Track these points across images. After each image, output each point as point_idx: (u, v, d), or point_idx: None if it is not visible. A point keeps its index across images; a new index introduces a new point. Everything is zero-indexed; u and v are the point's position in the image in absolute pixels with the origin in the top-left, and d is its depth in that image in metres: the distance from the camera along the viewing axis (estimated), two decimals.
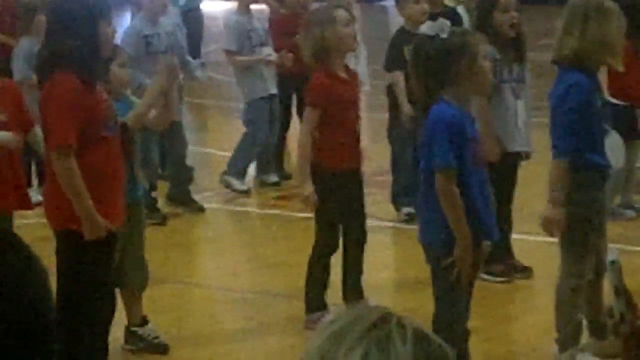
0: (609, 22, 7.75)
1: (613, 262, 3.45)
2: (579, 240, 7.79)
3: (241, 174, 12.52)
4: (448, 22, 7.42)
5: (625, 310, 3.25)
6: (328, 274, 8.91)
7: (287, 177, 12.91)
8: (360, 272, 8.95)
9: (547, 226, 7.80)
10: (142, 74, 10.98)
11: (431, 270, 7.28)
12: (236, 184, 12.46)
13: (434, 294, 7.24)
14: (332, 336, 2.07)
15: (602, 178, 7.92)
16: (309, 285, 8.92)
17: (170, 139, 11.67)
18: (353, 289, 8.92)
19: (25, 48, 11.49)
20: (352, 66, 10.34)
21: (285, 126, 13.09)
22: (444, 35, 7.16)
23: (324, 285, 8.90)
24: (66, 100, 7.09)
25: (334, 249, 8.88)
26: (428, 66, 7.13)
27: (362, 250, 8.89)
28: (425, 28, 7.30)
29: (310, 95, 8.92)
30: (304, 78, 9.40)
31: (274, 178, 12.79)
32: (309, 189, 8.80)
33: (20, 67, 11.58)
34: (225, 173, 12.52)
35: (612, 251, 4.89)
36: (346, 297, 8.94)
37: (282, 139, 13.09)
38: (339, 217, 8.86)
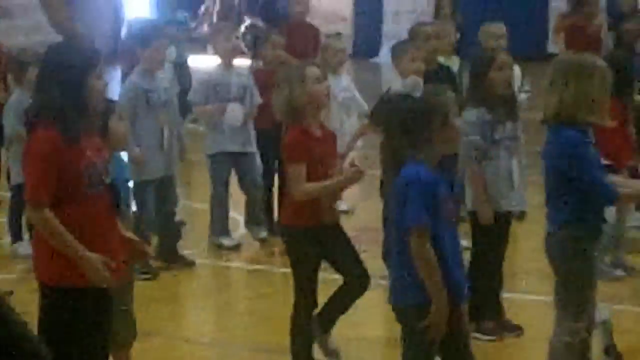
0: (590, 80, 7.75)
1: (605, 322, 3.45)
2: (574, 298, 7.78)
3: (225, 231, 12.53)
4: (421, 81, 7.42)
5: None
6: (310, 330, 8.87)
7: (276, 232, 12.88)
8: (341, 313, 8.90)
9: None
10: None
11: (403, 332, 7.21)
12: (225, 241, 12.47)
13: (403, 356, 7.16)
14: None
15: (599, 234, 7.94)
16: (295, 343, 8.87)
17: (163, 194, 11.67)
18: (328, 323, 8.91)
19: (17, 101, 11.50)
20: (344, 119, 10.40)
21: (269, 181, 13.02)
22: (418, 94, 7.15)
23: (310, 342, 8.87)
24: (42, 157, 7.01)
25: (312, 308, 8.82)
26: (401, 125, 7.09)
27: (357, 297, 8.81)
28: (399, 86, 7.30)
29: (289, 152, 8.79)
30: (279, 133, 9.44)
31: (263, 233, 12.74)
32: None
33: (10, 121, 11.60)
34: (210, 235, 12.56)
35: (605, 311, 4.92)
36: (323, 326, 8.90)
37: (269, 194, 13.05)
38: (317, 277, 8.82)
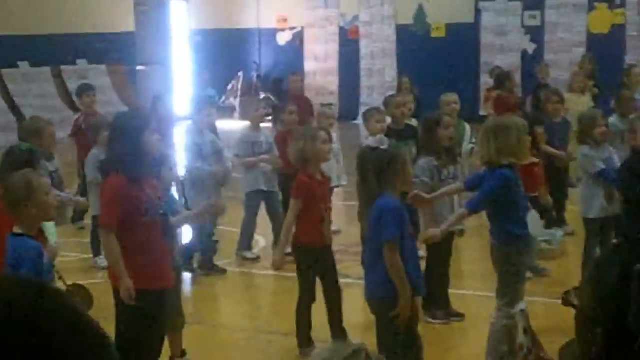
0: (506, 134, 7.87)
1: (522, 310, 3.50)
2: (512, 291, 7.85)
3: (249, 248, 12.54)
4: (386, 139, 7.51)
5: (531, 345, 3.30)
6: (310, 318, 8.89)
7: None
8: (341, 317, 8.92)
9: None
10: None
11: (377, 319, 7.30)
12: (248, 255, 12.48)
13: (378, 340, 7.20)
14: None
15: (527, 245, 8.00)
16: (299, 328, 8.91)
17: (208, 222, 11.72)
18: (339, 330, 8.92)
19: (94, 155, 11.54)
20: (334, 166, 10.41)
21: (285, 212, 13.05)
22: (383, 147, 7.22)
23: (309, 327, 8.89)
24: (113, 194, 7.11)
25: (312, 301, 8.86)
26: (371, 170, 7.20)
27: (339, 301, 8.85)
28: (369, 141, 7.39)
29: (294, 190, 8.90)
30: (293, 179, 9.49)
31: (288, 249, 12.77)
32: (277, 255, 9.00)
33: (90, 171, 11.64)
34: (237, 250, 12.53)
35: (522, 303, 4.97)
36: (334, 335, 8.87)
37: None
38: (316, 280, 8.84)
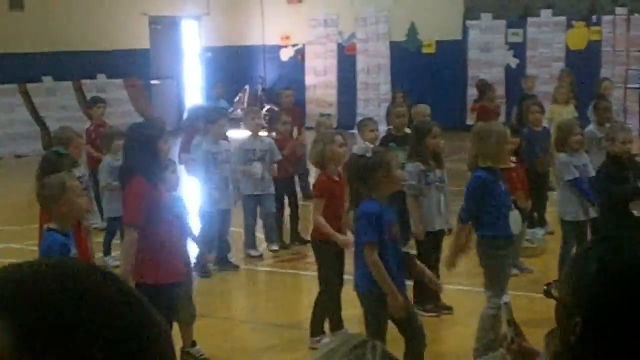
0: (486, 139, 7.90)
1: (506, 303, 3.49)
2: (497, 283, 7.86)
3: (253, 246, 12.54)
4: (371, 146, 7.51)
5: (514, 336, 3.28)
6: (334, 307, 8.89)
7: (285, 246, 12.94)
8: (340, 309, 8.91)
9: None
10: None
11: (364, 311, 7.29)
12: (252, 252, 12.48)
13: (366, 331, 7.17)
14: (326, 353, 2.10)
15: (509, 241, 8.01)
16: (314, 317, 8.89)
17: (222, 220, 11.73)
18: (338, 321, 8.91)
19: (107, 162, 11.56)
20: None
21: (281, 212, 13.11)
22: (369, 154, 7.22)
23: (324, 317, 8.88)
24: (136, 195, 7.15)
25: (334, 292, 8.81)
26: (357, 176, 7.21)
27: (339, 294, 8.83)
28: (355, 149, 7.39)
29: (316, 190, 8.95)
30: (291, 181, 9.40)
31: (275, 247, 12.79)
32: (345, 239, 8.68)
33: (103, 177, 11.66)
34: (244, 247, 12.55)
35: (506, 296, 4.97)
36: (332, 328, 8.88)
37: (281, 220, 13.14)
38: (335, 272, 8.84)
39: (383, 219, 7.08)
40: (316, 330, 8.85)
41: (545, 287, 2.50)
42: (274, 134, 13.28)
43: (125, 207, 7.35)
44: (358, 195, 7.22)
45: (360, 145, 6.94)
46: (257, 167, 12.20)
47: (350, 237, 8.18)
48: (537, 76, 21.05)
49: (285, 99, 16.68)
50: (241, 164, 12.27)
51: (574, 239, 9.98)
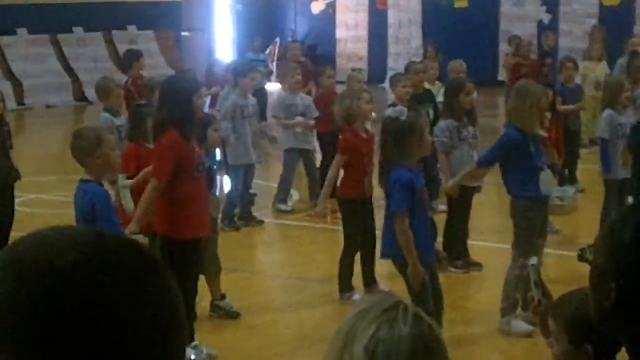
0: (523, 100, 7.82)
1: (533, 265, 3.47)
2: (525, 243, 7.83)
3: (284, 201, 12.54)
4: (405, 110, 7.47)
5: (541, 297, 3.27)
6: (353, 266, 8.90)
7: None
8: (373, 267, 8.90)
9: None
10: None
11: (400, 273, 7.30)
12: (282, 207, 12.48)
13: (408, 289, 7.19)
14: (357, 314, 2.09)
15: (539, 202, 7.95)
16: (342, 274, 8.88)
17: (247, 175, 11.71)
18: (371, 278, 8.91)
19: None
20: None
21: (325, 168, 13.06)
22: (403, 118, 7.18)
23: (352, 273, 8.88)
24: (168, 148, 7.13)
25: (356, 250, 8.85)
26: (390, 140, 7.17)
27: (374, 252, 8.71)
28: (389, 112, 7.36)
29: (340, 146, 8.93)
30: (335, 136, 9.46)
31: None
32: (320, 207, 9.13)
33: None
34: (274, 203, 12.52)
35: (533, 257, 4.91)
36: (365, 283, 8.88)
37: (323, 176, 13.10)
38: (359, 230, 8.83)
39: (415, 185, 7.07)
40: (345, 286, 8.85)
41: (579, 251, 2.48)
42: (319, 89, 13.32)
43: (154, 159, 7.33)
44: (389, 160, 7.19)
45: (394, 109, 6.95)
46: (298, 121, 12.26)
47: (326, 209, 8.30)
48: (555, 33, 20.85)
49: (292, 52, 16.85)
50: (284, 119, 12.30)
51: (615, 199, 9.82)
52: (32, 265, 1.33)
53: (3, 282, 1.32)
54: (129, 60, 14.68)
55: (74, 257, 1.33)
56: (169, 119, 7.15)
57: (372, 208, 8.98)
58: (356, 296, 8.71)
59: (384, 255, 7.41)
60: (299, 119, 12.28)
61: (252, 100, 11.98)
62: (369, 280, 8.85)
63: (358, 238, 8.82)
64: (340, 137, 9.26)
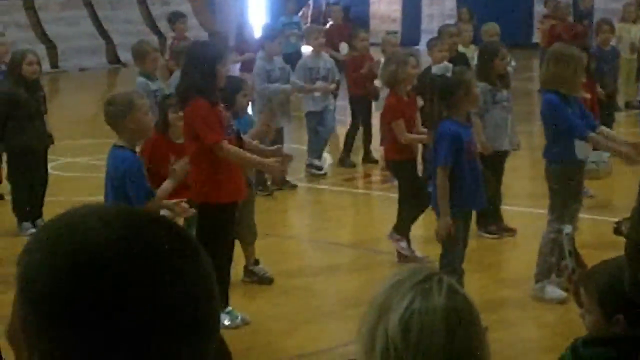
0: (566, 65, 7.74)
1: (567, 233, 3.45)
2: (560, 208, 7.81)
3: (318, 157, 12.56)
4: (451, 65, 7.57)
5: (575, 266, 3.26)
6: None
7: (353, 165, 12.95)
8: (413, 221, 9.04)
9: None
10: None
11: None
12: (316, 162, 12.49)
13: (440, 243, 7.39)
14: (392, 285, 2.10)
15: (576, 167, 7.91)
16: (401, 218, 8.97)
17: (276, 138, 11.67)
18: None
19: (176, 78, 11.40)
20: None
21: (355, 128, 13.10)
22: (449, 74, 7.28)
23: (413, 221, 8.99)
24: (205, 113, 7.12)
25: (420, 208, 8.93)
26: (438, 96, 7.34)
27: (423, 210, 8.89)
28: (435, 69, 7.45)
29: (390, 113, 9.08)
30: (367, 100, 9.45)
31: (328, 162, 12.85)
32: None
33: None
34: (307, 159, 12.52)
35: (568, 226, 4.89)
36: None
37: (353, 138, 13.11)
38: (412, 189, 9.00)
39: (462, 139, 7.21)
40: (401, 228, 8.95)
41: (615, 224, 2.47)
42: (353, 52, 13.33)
43: (201, 130, 7.18)
44: (437, 115, 7.35)
45: (439, 66, 7.11)
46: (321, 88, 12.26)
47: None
48: None
49: (334, 15, 16.86)
50: (303, 82, 12.27)
51: None
52: (65, 247, 1.34)
53: (38, 265, 1.34)
54: (172, 22, 14.94)
55: (105, 236, 1.35)
56: (193, 87, 7.14)
57: (416, 168, 9.26)
58: (403, 244, 8.78)
59: (435, 207, 7.52)
60: (320, 83, 12.27)
61: (279, 63, 11.92)
62: (403, 231, 8.93)
63: (418, 193, 8.95)
64: (385, 103, 9.28)
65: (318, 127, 12.48)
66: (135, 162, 6.60)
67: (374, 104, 12.58)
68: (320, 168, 12.49)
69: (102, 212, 1.40)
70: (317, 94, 12.29)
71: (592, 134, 7.88)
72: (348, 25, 17.60)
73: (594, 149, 11.49)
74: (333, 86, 12.40)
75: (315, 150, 12.56)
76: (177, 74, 11.33)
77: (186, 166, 7.15)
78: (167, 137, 7.96)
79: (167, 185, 6.98)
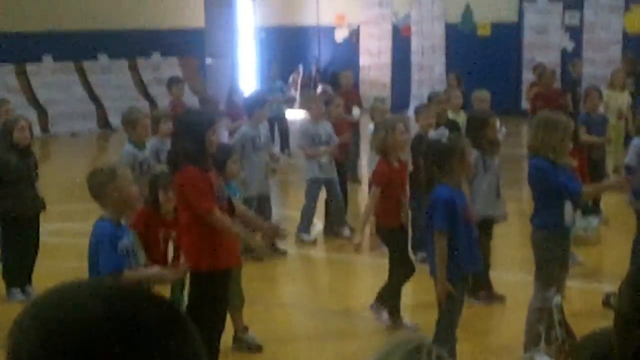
0: (553, 130, 7.76)
1: (557, 304, 3.46)
2: (546, 275, 7.80)
3: (307, 231, 12.52)
4: (447, 131, 7.64)
5: (565, 337, 3.26)
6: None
7: (335, 232, 12.86)
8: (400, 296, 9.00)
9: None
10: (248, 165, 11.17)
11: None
12: (305, 237, 12.46)
13: (438, 308, 7.47)
14: (382, 356, 2.10)
15: (563, 233, 7.92)
16: (391, 299, 8.94)
17: (261, 206, 11.59)
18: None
19: (152, 145, 10.58)
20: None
21: (345, 199, 13.04)
22: (444, 140, 7.34)
23: (399, 297, 8.95)
24: (197, 181, 7.13)
25: (407, 275, 8.94)
26: (433, 161, 7.44)
27: (407, 279, 8.94)
28: (432, 135, 7.50)
29: (375, 178, 9.08)
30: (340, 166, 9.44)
31: (347, 232, 12.55)
32: (358, 238, 9.01)
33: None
34: (297, 232, 12.47)
35: (557, 296, 4.92)
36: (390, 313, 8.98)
37: (345, 208, 13.05)
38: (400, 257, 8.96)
39: (456, 204, 7.33)
40: (395, 313, 8.93)
41: (604, 297, 2.48)
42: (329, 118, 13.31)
43: (193, 198, 7.17)
44: (432, 181, 7.48)
45: (436, 131, 7.20)
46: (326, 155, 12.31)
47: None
48: (582, 61, 20.77)
49: (345, 81, 16.86)
50: (308, 148, 12.34)
51: None
52: (56, 325, 1.36)
53: (29, 342, 1.36)
54: (169, 87, 15.17)
55: (97, 314, 1.36)
56: (183, 155, 7.16)
57: (407, 236, 9.23)
58: (384, 315, 8.77)
59: (432, 273, 7.54)
60: (323, 148, 12.32)
61: (263, 129, 11.94)
62: (389, 299, 8.92)
63: (408, 262, 8.98)
64: (375, 169, 9.30)
65: (329, 200, 12.48)
66: (108, 232, 6.35)
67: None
68: (309, 238, 12.45)
69: (93, 289, 1.41)
70: (323, 160, 12.31)
71: (584, 189, 8.01)
72: (355, 89, 17.78)
73: (583, 214, 11.57)
74: (335, 149, 12.42)
75: (307, 221, 12.49)
76: (153, 141, 11.06)
77: (186, 271, 7.17)
78: (158, 213, 7.94)
79: (155, 271, 6.80)
